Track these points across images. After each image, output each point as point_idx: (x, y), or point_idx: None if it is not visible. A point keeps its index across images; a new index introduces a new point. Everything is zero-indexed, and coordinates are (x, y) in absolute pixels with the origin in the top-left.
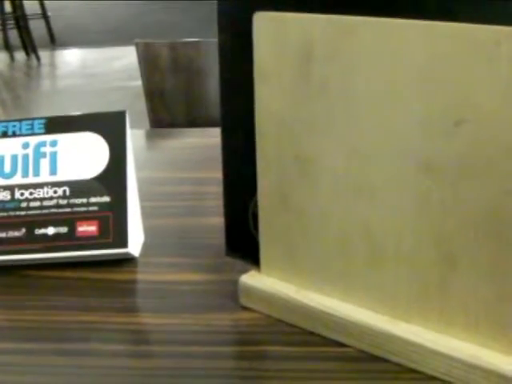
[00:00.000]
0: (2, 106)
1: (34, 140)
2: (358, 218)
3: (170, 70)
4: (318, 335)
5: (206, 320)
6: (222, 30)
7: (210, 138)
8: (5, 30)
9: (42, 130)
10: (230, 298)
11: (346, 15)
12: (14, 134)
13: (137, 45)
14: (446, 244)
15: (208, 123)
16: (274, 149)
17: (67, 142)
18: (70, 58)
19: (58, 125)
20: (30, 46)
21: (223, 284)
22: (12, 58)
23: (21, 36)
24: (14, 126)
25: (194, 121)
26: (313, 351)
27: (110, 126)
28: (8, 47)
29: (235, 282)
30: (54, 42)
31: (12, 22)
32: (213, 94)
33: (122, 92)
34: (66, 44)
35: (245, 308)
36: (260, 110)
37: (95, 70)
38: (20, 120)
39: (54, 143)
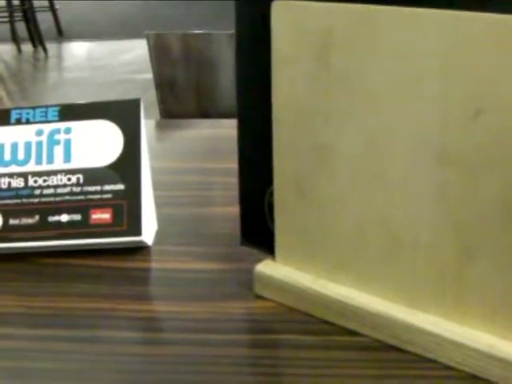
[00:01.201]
0: (9, 98)
1: (47, 127)
2: (376, 207)
3: (181, 62)
4: (333, 324)
5: (221, 308)
6: (239, 18)
7: (221, 129)
8: (12, 22)
9: (56, 118)
10: (244, 286)
11: (366, 4)
12: (28, 121)
13: (147, 36)
14: (464, 235)
15: (218, 114)
16: (291, 137)
17: (81, 129)
18: (77, 50)
19: (72, 112)
20: (37, 39)
21: (237, 273)
22: (19, 50)
23: (28, 28)
24: (28, 113)
25: (205, 112)
26: (328, 340)
27: (124, 114)
28: (15, 39)
29: (249, 271)
30: (62, 34)
31: (20, 14)
32: (223, 85)
33: (129, 84)
34: (73, 37)
35: (259, 297)
36: (277, 97)
37: (102, 62)
38: (34, 107)
39: (68, 130)
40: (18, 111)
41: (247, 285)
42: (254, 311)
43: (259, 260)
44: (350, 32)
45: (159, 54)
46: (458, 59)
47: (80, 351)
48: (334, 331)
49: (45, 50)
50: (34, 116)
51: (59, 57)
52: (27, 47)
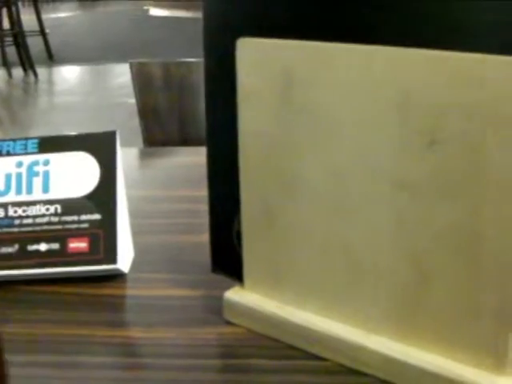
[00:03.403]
0: None
1: (27, 159)
2: (338, 235)
3: (163, 89)
4: (299, 349)
5: (192, 334)
6: (207, 53)
7: (203, 157)
8: (2, 47)
9: (36, 150)
10: (215, 312)
11: (326, 42)
12: (8, 153)
13: (131, 64)
14: (420, 260)
15: (201, 142)
16: (257, 168)
17: (59, 161)
18: (68, 74)
19: (51, 144)
20: (27, 63)
21: (209, 299)
22: (10, 75)
23: (18, 52)
24: (8, 145)
25: (187, 139)
26: (294, 364)
27: (100, 146)
28: (6, 64)
29: (220, 298)
30: (52, 58)
31: (10, 38)
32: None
33: (118, 109)
34: (64, 61)
35: (229, 323)
36: (243, 131)
37: (92, 86)
38: (14, 140)
39: (46, 162)
40: None
41: (218, 311)
42: (223, 337)
43: (230, 287)
44: (310, 68)
45: (142, 82)
46: (412, 94)
47: (57, 377)
48: (299, 356)
49: (35, 74)
50: (14, 148)
51: (49, 81)
52: (18, 71)
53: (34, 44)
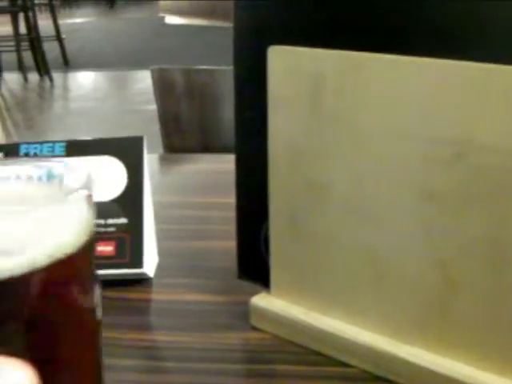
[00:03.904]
0: (14, 127)
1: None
2: (365, 243)
3: (185, 96)
4: (325, 355)
5: (217, 339)
6: (237, 61)
7: (223, 164)
8: (19, 51)
9: (63, 153)
10: (240, 318)
11: (356, 51)
12: (36, 156)
13: (152, 71)
14: (448, 269)
15: (221, 149)
16: (285, 174)
17: (86, 165)
18: (83, 80)
19: (78, 148)
20: (43, 68)
21: (234, 305)
22: (25, 79)
23: (35, 57)
24: (36, 147)
25: (208, 146)
26: (319, 370)
27: (128, 151)
28: (22, 68)
29: (245, 304)
30: (68, 64)
31: (26, 43)
32: (226, 120)
33: (133, 115)
34: (79, 66)
35: (254, 328)
36: (273, 137)
37: (107, 92)
38: (41, 142)
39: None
40: (26, 146)
41: (243, 316)
42: (249, 342)
43: (255, 293)
44: (341, 76)
45: (163, 88)
46: (440, 105)
47: None
48: (325, 362)
49: (51, 79)
50: (41, 151)
51: (65, 86)
52: (33, 76)
53: (50, 49)
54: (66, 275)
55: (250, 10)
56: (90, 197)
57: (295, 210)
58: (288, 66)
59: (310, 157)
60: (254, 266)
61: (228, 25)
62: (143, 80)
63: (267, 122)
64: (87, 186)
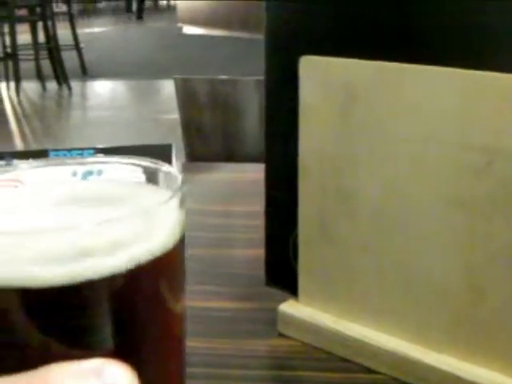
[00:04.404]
0: (32, 135)
1: (81, 169)
2: (394, 251)
3: (208, 106)
4: (353, 362)
5: (245, 345)
6: (269, 70)
7: (245, 173)
8: (38, 60)
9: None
10: (267, 325)
11: (388, 61)
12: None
13: (175, 80)
14: (476, 276)
15: (243, 158)
16: (315, 182)
17: (112, 171)
18: (101, 89)
19: (107, 154)
20: (61, 76)
21: (261, 312)
22: (44, 88)
23: (53, 66)
24: (65, 154)
25: (230, 155)
26: (347, 377)
27: (156, 158)
28: (40, 77)
29: (272, 311)
30: (86, 73)
31: (45, 52)
32: (248, 129)
33: (151, 124)
34: (97, 75)
35: (282, 335)
36: (303, 145)
37: (125, 102)
38: (70, 149)
39: (100, 172)
40: (55, 152)
41: (270, 323)
42: (277, 349)
43: (282, 300)
44: (372, 86)
45: (186, 97)
46: (472, 113)
47: None
48: (353, 369)
49: (69, 88)
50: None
51: (83, 95)
52: (52, 85)
53: (69, 58)
54: (164, 273)
55: (281, 21)
56: (182, 197)
57: (324, 217)
58: (319, 76)
59: (340, 165)
60: (281, 273)
61: (244, 35)
62: (160, 89)
63: (297, 130)
64: (180, 187)
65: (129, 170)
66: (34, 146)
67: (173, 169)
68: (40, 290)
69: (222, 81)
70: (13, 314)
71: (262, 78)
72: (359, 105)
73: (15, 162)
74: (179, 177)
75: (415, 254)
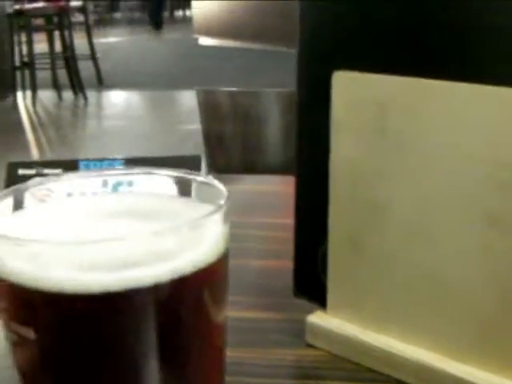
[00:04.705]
0: (48, 144)
1: (112, 179)
2: (424, 264)
3: (229, 117)
4: (380, 373)
5: (272, 355)
6: (301, 84)
7: (266, 185)
8: (54, 70)
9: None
10: (295, 335)
11: (421, 77)
12: None
13: (197, 92)
14: (507, 291)
15: (264, 169)
16: (346, 196)
17: (143, 182)
18: (116, 99)
19: (135, 166)
20: (77, 86)
21: (288, 323)
22: (60, 97)
23: (69, 76)
24: (95, 164)
25: (250, 167)
26: None
27: (186, 169)
28: (56, 86)
29: (300, 322)
30: (102, 82)
31: (61, 61)
32: (270, 142)
33: (166, 135)
34: (113, 85)
35: (309, 346)
36: (335, 158)
37: (140, 112)
38: (101, 159)
39: (130, 183)
40: (85, 162)
41: (298, 334)
42: (304, 358)
43: (309, 311)
44: (404, 102)
45: (208, 109)
46: (506, 130)
47: None
48: (381, 379)
49: (85, 97)
50: (100, 167)
51: (99, 105)
52: (68, 94)
53: (85, 68)
54: (207, 285)
55: (314, 36)
56: (227, 211)
57: (355, 230)
58: (352, 91)
59: (372, 179)
60: (310, 284)
61: (261, 47)
62: (176, 100)
63: (329, 144)
64: (226, 201)
65: (159, 181)
66: (50, 156)
67: (216, 182)
68: (85, 297)
69: (244, 93)
70: (62, 318)
71: (282, 89)
72: (393, 120)
73: (45, 171)
74: (224, 190)
75: (444, 266)
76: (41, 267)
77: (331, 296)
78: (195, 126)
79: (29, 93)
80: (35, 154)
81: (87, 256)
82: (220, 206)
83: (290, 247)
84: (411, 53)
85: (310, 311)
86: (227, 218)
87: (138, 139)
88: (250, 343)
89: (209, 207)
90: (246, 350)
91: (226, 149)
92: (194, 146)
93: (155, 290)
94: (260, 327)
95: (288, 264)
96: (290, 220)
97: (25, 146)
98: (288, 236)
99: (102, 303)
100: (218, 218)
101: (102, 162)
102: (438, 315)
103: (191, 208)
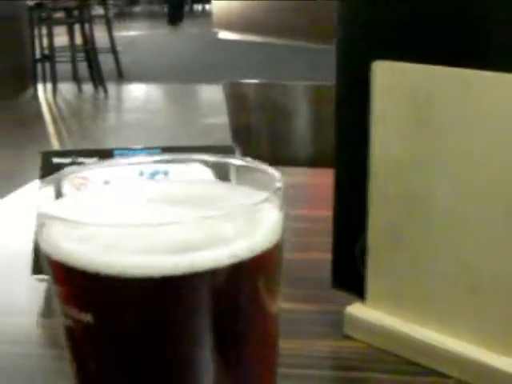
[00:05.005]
0: (68, 136)
1: (148, 168)
2: (462, 254)
3: (256, 110)
4: (420, 365)
5: (311, 346)
6: (340, 75)
7: (293, 177)
8: (74, 62)
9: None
10: (333, 327)
11: (462, 67)
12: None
13: (224, 84)
14: None
15: (292, 162)
16: (385, 187)
17: (178, 172)
18: (136, 92)
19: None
20: (98, 79)
21: (326, 314)
22: (80, 90)
23: (90, 68)
24: (131, 152)
25: (278, 159)
26: (415, 380)
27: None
28: (77, 79)
29: (338, 313)
30: (122, 75)
31: (82, 54)
32: (297, 134)
33: (186, 128)
34: (133, 79)
35: (348, 337)
36: (375, 151)
37: (160, 105)
38: (135, 149)
39: (166, 172)
40: (119, 151)
41: (336, 325)
42: (343, 350)
43: (347, 302)
44: (445, 92)
45: (235, 102)
46: None
47: None
48: (421, 371)
49: (105, 90)
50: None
51: (119, 98)
52: (88, 87)
53: (105, 61)
54: (263, 270)
55: (353, 25)
56: (283, 197)
57: (394, 221)
58: (392, 81)
59: (411, 170)
60: (348, 276)
61: (280, 42)
62: (195, 93)
63: (368, 135)
64: (279, 187)
65: (195, 169)
66: (70, 147)
67: (270, 168)
68: (146, 280)
69: (271, 85)
70: (121, 302)
71: (309, 83)
72: (435, 111)
73: (80, 160)
74: (278, 176)
75: (485, 258)
76: (99, 250)
77: (370, 287)
78: (216, 119)
79: (49, 85)
80: (56, 146)
81: (147, 239)
82: (276, 190)
83: (323, 239)
84: (453, 43)
85: (348, 303)
86: (283, 204)
87: (158, 132)
88: (288, 334)
89: (261, 193)
90: (284, 341)
91: (254, 141)
92: (216, 140)
93: (214, 274)
94: (298, 318)
95: (325, 256)
96: (322, 212)
97: (45, 138)
98: (321, 227)
99: (161, 287)
100: (274, 203)
101: (137, 151)
102: (478, 307)
103: (241, 193)
